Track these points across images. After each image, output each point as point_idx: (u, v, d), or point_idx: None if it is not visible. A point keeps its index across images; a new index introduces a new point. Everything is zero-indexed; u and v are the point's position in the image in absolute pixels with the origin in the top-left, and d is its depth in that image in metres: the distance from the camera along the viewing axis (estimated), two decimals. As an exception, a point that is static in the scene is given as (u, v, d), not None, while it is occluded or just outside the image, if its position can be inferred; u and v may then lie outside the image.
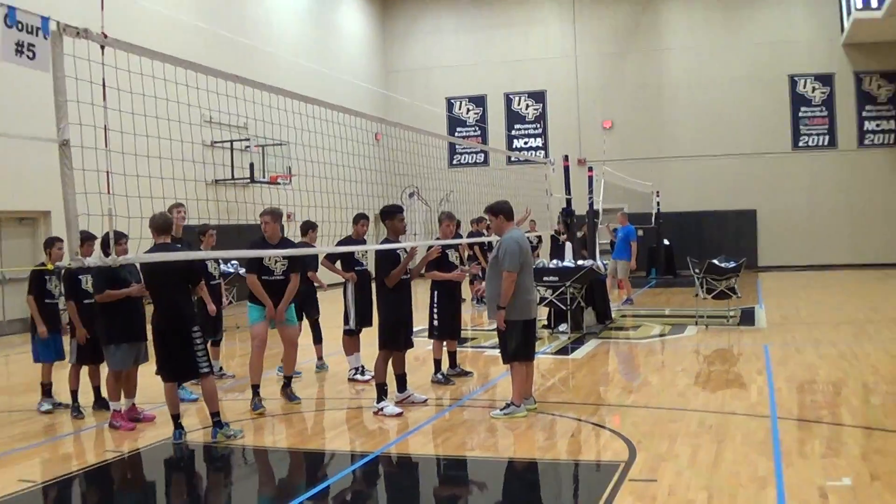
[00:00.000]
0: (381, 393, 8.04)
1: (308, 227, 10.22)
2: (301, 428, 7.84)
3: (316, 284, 10.57)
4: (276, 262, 8.36)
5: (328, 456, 6.91)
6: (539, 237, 20.98)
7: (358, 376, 9.74)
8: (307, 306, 10.26)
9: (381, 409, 7.99)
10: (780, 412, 7.52)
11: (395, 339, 8.10)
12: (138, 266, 7.63)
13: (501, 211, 7.92)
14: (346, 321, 9.81)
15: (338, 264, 9.91)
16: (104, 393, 8.31)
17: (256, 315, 8.47)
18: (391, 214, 8.27)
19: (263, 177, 20.19)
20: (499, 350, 8.02)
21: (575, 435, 7.18)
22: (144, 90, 6.21)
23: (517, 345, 7.68)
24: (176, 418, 7.21)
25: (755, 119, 27.20)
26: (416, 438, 7.23)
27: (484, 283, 8.36)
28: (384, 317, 8.12)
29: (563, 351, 11.70)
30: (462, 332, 10.13)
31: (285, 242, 8.51)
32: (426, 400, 8.50)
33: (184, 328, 7.04)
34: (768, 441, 6.58)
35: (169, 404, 7.22)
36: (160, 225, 7.10)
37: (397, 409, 7.98)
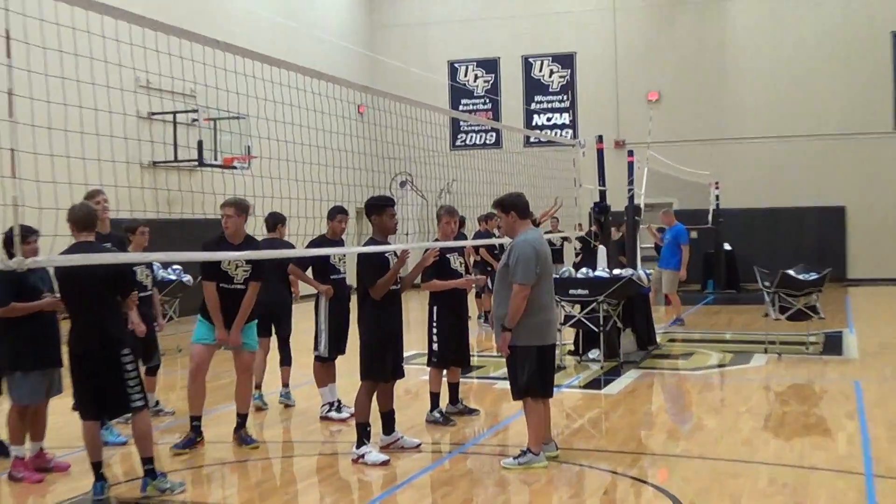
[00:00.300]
0: (363, 436, 8.02)
1: (276, 221, 10.22)
2: (259, 480, 7.80)
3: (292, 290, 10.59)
4: (237, 266, 8.41)
5: (293, 516, 6.87)
6: (564, 239, 20.97)
7: (332, 413, 9.73)
8: (279, 320, 10.25)
9: (362, 455, 7.96)
10: (877, 468, 7.47)
11: (381, 367, 8.09)
12: (52, 271, 7.59)
13: (514, 206, 7.89)
14: (317, 346, 9.80)
15: (309, 272, 9.89)
16: (3, 435, 8.26)
17: (202, 333, 8.52)
18: (379, 208, 8.26)
19: (215, 159, 20.16)
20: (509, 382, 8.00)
21: (609, 492, 7.14)
22: (61, 44, 6.17)
23: (530, 376, 7.65)
24: (97, 467, 7.16)
25: (845, 91, 27.13)
26: (407, 494, 7.18)
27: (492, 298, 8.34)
28: (367, 338, 8.10)
29: (595, 384, 11.68)
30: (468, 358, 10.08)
31: (250, 242, 8.50)
32: (419, 445, 8.47)
33: (111, 351, 7.00)
34: (859, 504, 6.54)
35: (89, 449, 7.17)
36: (82, 218, 7.04)
37: (382, 457, 7.96)
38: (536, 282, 7.62)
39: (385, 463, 7.88)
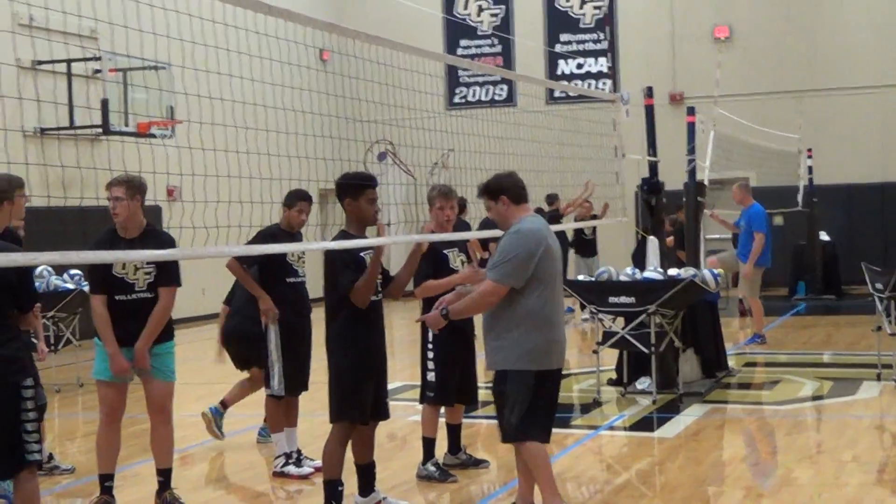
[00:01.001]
0: (332, 497, 8.07)
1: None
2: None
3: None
4: (135, 269, 8.40)
5: None
6: (594, 228, 21.12)
7: (290, 468, 9.77)
8: (251, 348, 10.26)
9: (333, 526, 8.02)
10: None
11: (358, 404, 8.11)
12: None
13: (504, 189, 7.91)
14: (268, 381, 9.84)
15: (254, 271, 9.91)
16: None
17: (104, 366, 8.50)
18: (355, 190, 8.23)
19: (126, 124, 20.15)
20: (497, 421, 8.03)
21: (666, 570, 7.18)
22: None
23: (524, 413, 7.67)
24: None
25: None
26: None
27: None
28: (338, 365, 8.13)
29: (646, 424, 11.75)
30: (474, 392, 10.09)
31: (152, 234, 8.51)
32: (407, 509, 8.51)
33: (6, 381, 7.01)
34: None
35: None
36: None
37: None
38: (536, 288, 7.62)
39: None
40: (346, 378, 8.08)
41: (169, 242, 8.50)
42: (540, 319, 7.67)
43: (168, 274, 8.49)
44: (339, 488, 8.09)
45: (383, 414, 8.37)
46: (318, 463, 9.21)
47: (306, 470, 9.68)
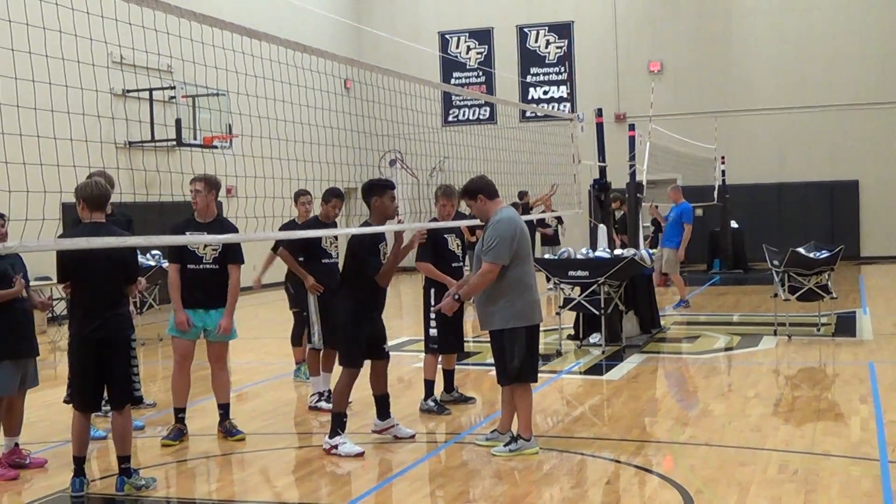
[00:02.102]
0: (337, 426, 8.07)
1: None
2: (246, 473, 7.82)
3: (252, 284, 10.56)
4: (204, 245, 8.40)
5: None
6: (559, 219, 21.00)
7: (322, 403, 9.74)
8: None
9: (336, 446, 8.01)
10: (893, 454, 7.49)
11: (357, 348, 8.10)
12: (28, 256, 7.58)
13: (480, 189, 7.99)
14: (310, 337, 9.93)
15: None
16: None
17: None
18: (381, 190, 8.27)
19: (195, 138, 20.13)
20: (495, 368, 8.02)
21: (612, 482, 7.16)
22: (28, 18, 6.14)
23: (522, 360, 7.70)
24: (79, 462, 7.17)
25: (858, 59, 27.01)
26: (402, 486, 7.22)
27: None
28: (341, 319, 8.19)
29: (596, 370, 11.71)
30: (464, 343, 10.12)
31: (221, 222, 8.52)
32: (414, 435, 8.51)
33: (123, 337, 7.12)
34: (876, 493, 6.55)
35: (76, 442, 7.17)
36: (93, 197, 7.08)
37: (357, 448, 8.01)
38: (517, 263, 7.69)
39: (360, 455, 7.92)
40: (346, 328, 8.14)
41: (232, 229, 8.50)
42: (522, 286, 7.75)
43: (234, 254, 8.52)
44: (344, 419, 8.12)
45: (384, 356, 8.36)
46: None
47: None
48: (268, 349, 13.98)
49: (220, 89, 17.11)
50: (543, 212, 18.29)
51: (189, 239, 8.13)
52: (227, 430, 8.69)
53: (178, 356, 8.55)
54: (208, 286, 8.45)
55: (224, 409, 8.77)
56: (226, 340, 8.72)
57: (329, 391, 9.82)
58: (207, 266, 8.45)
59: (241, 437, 8.63)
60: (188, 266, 8.43)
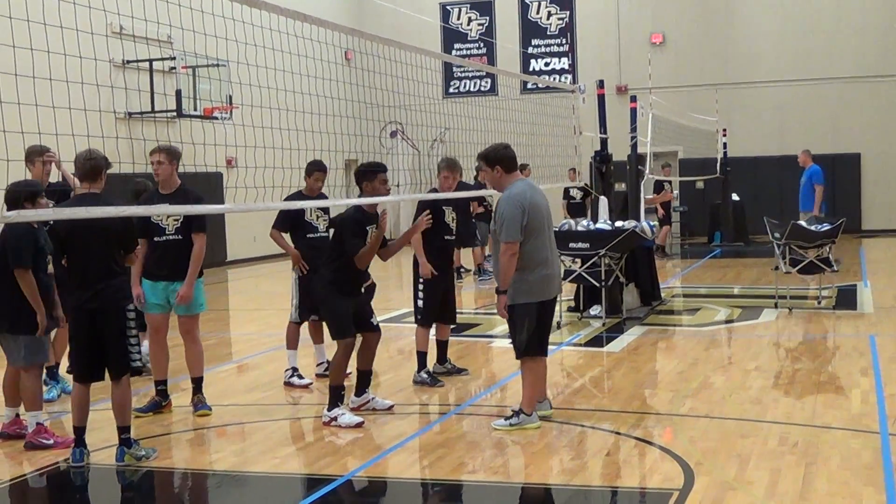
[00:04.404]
0: (336, 398, 8.09)
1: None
2: (247, 444, 7.83)
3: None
4: (167, 216, 8.31)
5: (278, 482, 6.90)
6: (584, 190, 20.83)
7: (294, 379, 9.69)
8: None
9: (335, 418, 8.02)
10: (893, 427, 7.49)
11: (346, 320, 8.10)
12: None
13: (500, 160, 7.83)
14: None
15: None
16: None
17: (149, 296, 8.42)
18: (371, 174, 8.29)
19: (195, 109, 20.07)
20: (510, 341, 8.04)
21: (612, 453, 7.17)
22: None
23: (530, 334, 7.69)
24: (80, 432, 7.18)
25: (860, 31, 26.95)
26: (401, 457, 7.24)
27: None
28: (323, 295, 8.20)
29: (597, 342, 11.71)
30: (461, 315, 10.10)
31: (184, 191, 8.35)
32: (392, 406, 8.54)
33: (118, 307, 7.10)
34: (876, 465, 6.56)
35: (76, 412, 7.17)
36: (86, 169, 7.06)
37: (356, 419, 8.03)
38: (529, 237, 7.61)
39: (359, 425, 7.93)
40: (330, 303, 8.17)
41: (197, 198, 8.36)
42: (535, 262, 7.69)
43: (198, 223, 8.39)
44: (342, 392, 8.15)
45: (374, 329, 8.36)
46: (307, 381, 9.58)
47: (305, 381, 9.66)
48: (269, 321, 13.96)
49: (221, 59, 17.05)
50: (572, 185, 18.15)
51: (201, 208, 8.05)
52: (195, 403, 8.59)
53: (152, 330, 8.53)
54: (172, 257, 8.33)
55: (196, 382, 8.68)
56: (192, 314, 8.60)
57: (327, 362, 9.80)
58: (170, 237, 8.35)
59: (205, 413, 8.50)
60: (154, 239, 8.33)
